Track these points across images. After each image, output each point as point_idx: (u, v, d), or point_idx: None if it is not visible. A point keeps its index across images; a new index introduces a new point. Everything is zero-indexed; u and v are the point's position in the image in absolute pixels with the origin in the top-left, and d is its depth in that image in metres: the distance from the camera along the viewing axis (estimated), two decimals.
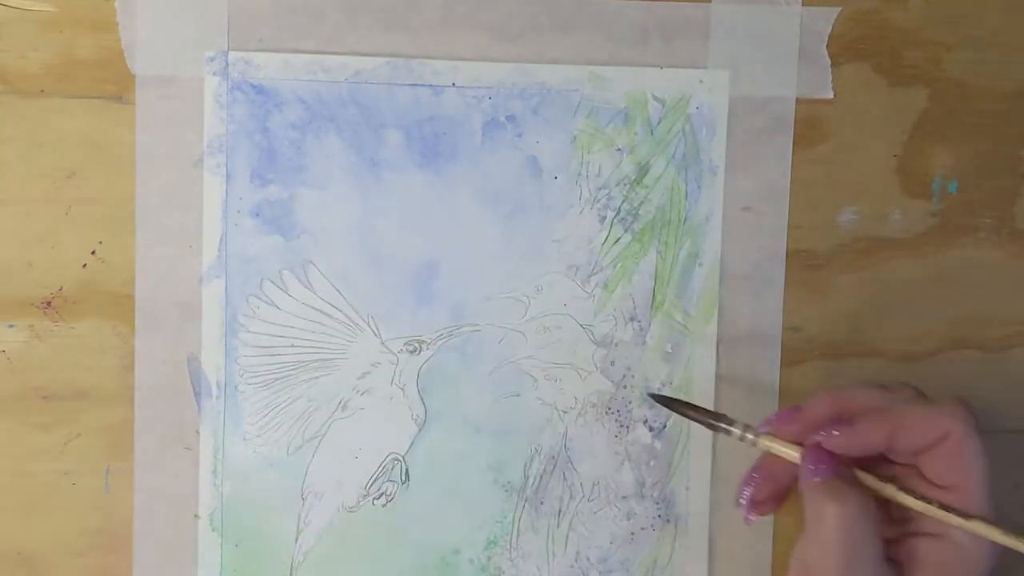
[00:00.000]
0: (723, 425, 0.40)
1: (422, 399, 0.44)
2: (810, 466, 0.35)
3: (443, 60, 0.43)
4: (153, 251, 0.43)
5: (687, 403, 0.42)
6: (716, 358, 0.45)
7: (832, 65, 0.45)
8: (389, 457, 0.44)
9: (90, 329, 0.42)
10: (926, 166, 0.47)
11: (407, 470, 0.44)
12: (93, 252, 0.42)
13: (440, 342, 0.44)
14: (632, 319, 0.45)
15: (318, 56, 0.43)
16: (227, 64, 0.42)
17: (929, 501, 0.34)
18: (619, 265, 0.45)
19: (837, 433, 0.35)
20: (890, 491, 0.35)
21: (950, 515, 0.33)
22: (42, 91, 0.42)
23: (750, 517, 0.39)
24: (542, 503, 0.45)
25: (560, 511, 0.45)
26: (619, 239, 0.45)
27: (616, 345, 0.45)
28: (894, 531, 0.36)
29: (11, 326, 0.42)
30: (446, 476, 0.45)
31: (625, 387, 0.45)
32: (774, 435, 0.38)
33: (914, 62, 0.46)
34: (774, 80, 0.45)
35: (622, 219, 0.45)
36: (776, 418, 0.38)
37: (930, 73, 0.46)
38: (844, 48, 0.45)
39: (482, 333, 0.44)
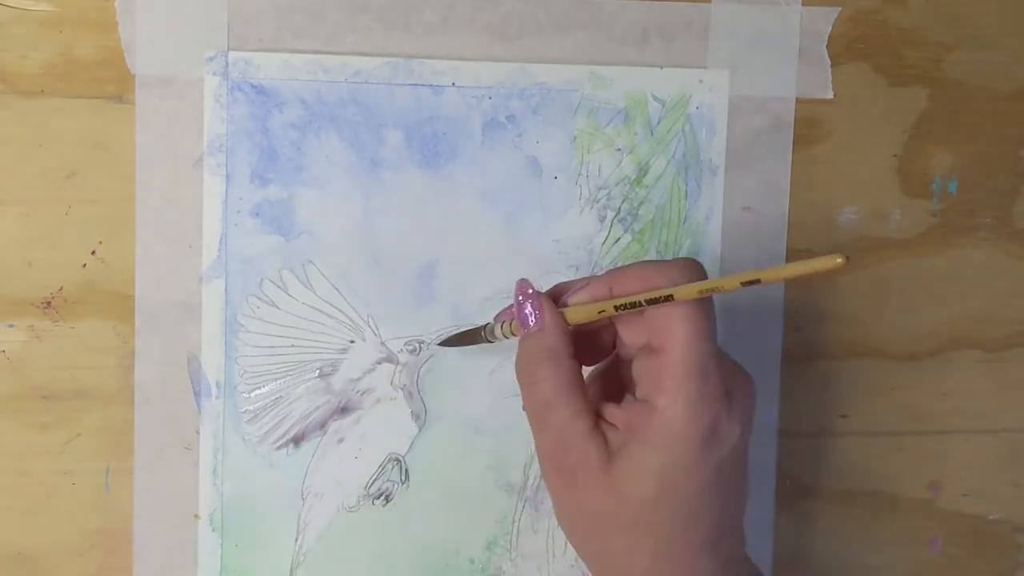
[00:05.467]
0: (487, 330, 0.40)
1: (422, 399, 0.44)
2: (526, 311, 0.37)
3: (443, 60, 0.43)
4: (153, 251, 0.42)
5: (460, 334, 0.42)
6: None
7: (832, 65, 0.45)
8: (389, 457, 0.44)
9: (90, 329, 0.42)
10: (926, 166, 0.47)
11: (407, 470, 0.44)
12: (93, 252, 0.42)
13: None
14: None
15: (318, 56, 0.43)
16: (227, 64, 0.42)
17: (636, 304, 0.34)
18: (619, 265, 0.45)
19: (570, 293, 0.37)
20: (601, 308, 0.36)
21: (654, 295, 0.34)
22: (42, 91, 0.41)
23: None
24: (542, 503, 0.45)
25: None
26: (619, 239, 0.45)
27: None
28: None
29: (11, 326, 0.42)
30: (446, 476, 0.45)
31: None
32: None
33: (914, 62, 0.46)
34: (774, 80, 0.45)
35: (622, 219, 0.45)
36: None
37: (930, 73, 0.46)
38: (844, 48, 0.45)
39: None
